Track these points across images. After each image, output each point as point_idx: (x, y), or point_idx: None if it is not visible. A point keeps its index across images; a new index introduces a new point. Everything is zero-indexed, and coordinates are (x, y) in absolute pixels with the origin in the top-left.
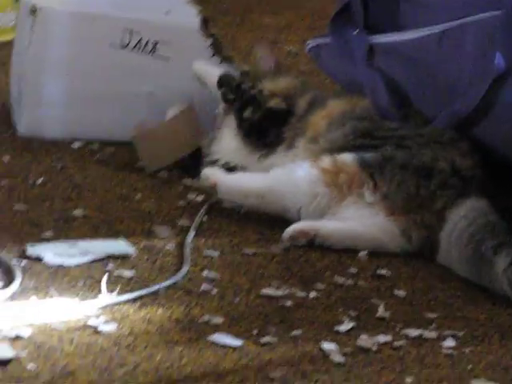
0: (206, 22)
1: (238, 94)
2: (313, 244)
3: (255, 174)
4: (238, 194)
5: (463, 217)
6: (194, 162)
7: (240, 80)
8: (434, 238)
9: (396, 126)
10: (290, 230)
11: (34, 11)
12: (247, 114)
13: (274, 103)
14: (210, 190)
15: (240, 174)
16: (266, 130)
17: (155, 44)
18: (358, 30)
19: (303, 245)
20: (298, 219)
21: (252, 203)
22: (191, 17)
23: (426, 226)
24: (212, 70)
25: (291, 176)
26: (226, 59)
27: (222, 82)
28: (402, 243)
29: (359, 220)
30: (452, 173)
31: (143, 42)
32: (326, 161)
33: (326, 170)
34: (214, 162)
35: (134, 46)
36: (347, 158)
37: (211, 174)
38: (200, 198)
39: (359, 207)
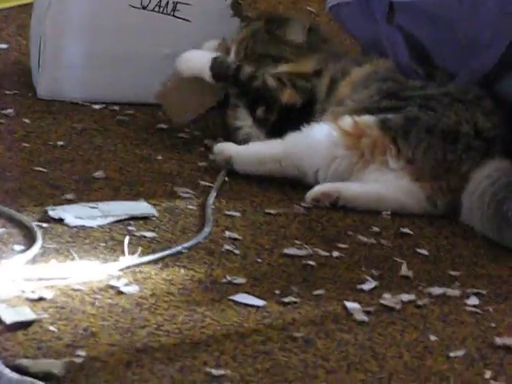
0: None
1: (240, 88)
2: (336, 206)
3: (268, 141)
4: (254, 161)
5: (486, 176)
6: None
7: (235, 66)
8: (458, 200)
9: (420, 84)
10: (314, 191)
11: None
12: (260, 113)
13: (287, 97)
14: (225, 164)
15: (254, 144)
16: (288, 127)
17: (175, 4)
18: None
19: (380, 209)
20: (317, 183)
21: (269, 169)
22: None
23: (451, 191)
24: (202, 59)
25: (309, 138)
26: (246, 19)
27: (216, 74)
28: (426, 207)
29: (383, 183)
30: (475, 135)
31: (163, 3)
32: (348, 122)
33: (346, 133)
34: (237, 129)
35: (154, 7)
36: (369, 120)
37: (225, 148)
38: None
39: (383, 172)
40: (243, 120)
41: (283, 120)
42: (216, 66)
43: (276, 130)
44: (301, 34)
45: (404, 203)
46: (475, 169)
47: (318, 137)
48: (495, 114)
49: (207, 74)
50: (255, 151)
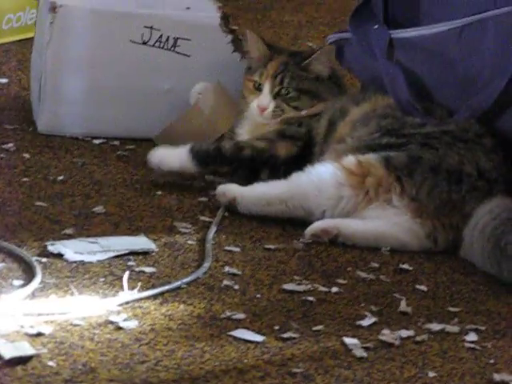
0: (226, 19)
1: (231, 164)
2: (335, 242)
3: (273, 181)
4: (259, 203)
5: (488, 212)
6: None
7: (213, 147)
8: (459, 236)
9: (420, 122)
10: (313, 227)
11: (54, 8)
12: (265, 177)
13: (284, 151)
14: (229, 206)
15: (258, 184)
16: (293, 169)
17: (176, 40)
18: (378, 25)
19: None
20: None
21: (275, 211)
22: (211, 13)
23: (453, 228)
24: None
25: (315, 178)
26: (246, 55)
27: (202, 162)
28: (426, 244)
29: (383, 220)
30: (478, 175)
31: (164, 39)
32: (351, 161)
33: (351, 172)
34: None
35: (155, 43)
36: (372, 158)
37: (227, 190)
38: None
39: (384, 209)
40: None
41: (287, 169)
42: (197, 155)
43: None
44: (326, 67)
45: (403, 241)
46: (478, 207)
47: (324, 177)
48: (495, 152)
49: (191, 166)
50: (260, 193)
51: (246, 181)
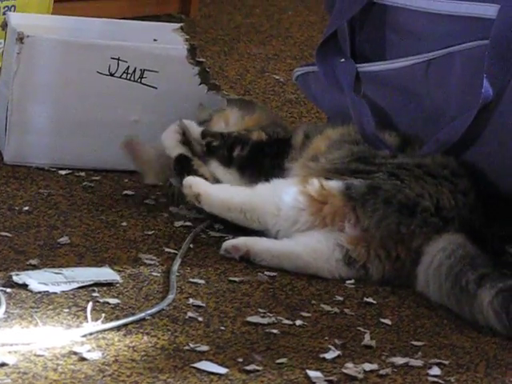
0: (193, 51)
1: (222, 140)
2: (249, 260)
3: (239, 187)
4: (220, 206)
5: (441, 249)
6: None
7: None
8: (406, 270)
9: (391, 154)
10: (226, 243)
11: (21, 39)
12: (236, 153)
13: (256, 136)
14: (193, 200)
15: (225, 186)
16: (260, 162)
17: (142, 72)
18: (344, 59)
19: (289, 272)
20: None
21: (233, 217)
22: (178, 45)
23: (391, 260)
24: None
25: (276, 199)
26: (213, 88)
27: (206, 132)
28: (345, 271)
29: (297, 240)
30: (434, 212)
31: (131, 70)
32: (315, 187)
33: (312, 199)
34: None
35: (122, 74)
36: (334, 187)
37: (195, 184)
38: (186, 226)
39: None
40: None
41: (257, 158)
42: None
43: (251, 169)
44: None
45: (307, 262)
46: (429, 242)
47: (285, 199)
48: (465, 194)
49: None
50: (225, 197)
51: (222, 160)
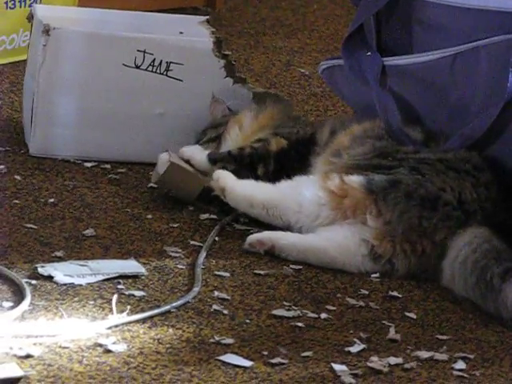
0: (219, 44)
1: (236, 161)
2: (274, 254)
3: (264, 184)
4: (244, 202)
5: (467, 243)
6: None
7: (227, 151)
8: (432, 265)
9: (414, 149)
10: (251, 237)
11: (47, 31)
12: (260, 171)
13: (275, 146)
14: (220, 194)
15: (249, 183)
16: (289, 167)
17: (168, 65)
18: (370, 52)
19: (314, 265)
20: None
21: (256, 214)
22: (204, 38)
23: (417, 254)
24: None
25: (297, 195)
26: (239, 81)
27: (213, 158)
28: (371, 266)
29: (321, 235)
30: (457, 206)
31: (156, 63)
32: (335, 182)
33: (333, 194)
34: None
35: (148, 67)
36: (355, 181)
37: (222, 177)
38: (212, 218)
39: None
40: None
41: (284, 166)
42: (211, 156)
43: (281, 176)
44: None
45: (333, 256)
46: (454, 236)
47: (306, 195)
48: (487, 188)
49: (206, 164)
50: (248, 193)
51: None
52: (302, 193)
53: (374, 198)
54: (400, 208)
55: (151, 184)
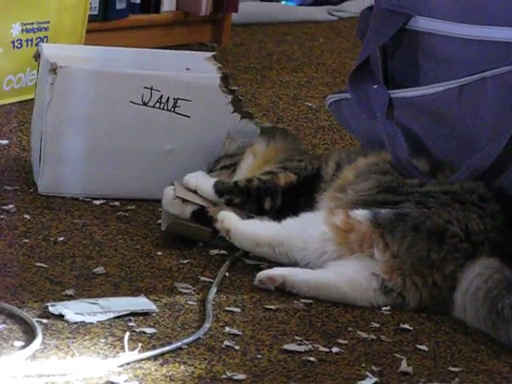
0: (226, 79)
1: (243, 194)
2: (285, 290)
3: (268, 222)
4: (249, 241)
5: (478, 274)
6: None
7: (234, 182)
8: (443, 297)
9: (419, 182)
10: (261, 274)
11: (54, 69)
12: (267, 205)
13: (283, 180)
14: (224, 235)
15: (253, 222)
16: (296, 203)
17: (176, 101)
18: (377, 85)
19: (325, 300)
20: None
21: (263, 253)
22: (211, 74)
23: (428, 287)
24: (199, 184)
25: (302, 232)
26: (246, 116)
27: (220, 189)
28: (382, 299)
29: (332, 270)
30: (464, 237)
31: (164, 99)
32: (340, 217)
33: (338, 228)
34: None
35: (155, 104)
36: (361, 215)
37: (226, 219)
38: (222, 254)
39: (353, 259)
40: None
41: (292, 201)
42: (217, 187)
43: (288, 212)
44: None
45: (344, 292)
46: (464, 268)
47: (311, 232)
48: (494, 218)
49: (212, 195)
50: (253, 232)
51: (254, 212)
52: (306, 229)
53: (381, 232)
54: (408, 241)
55: (160, 221)
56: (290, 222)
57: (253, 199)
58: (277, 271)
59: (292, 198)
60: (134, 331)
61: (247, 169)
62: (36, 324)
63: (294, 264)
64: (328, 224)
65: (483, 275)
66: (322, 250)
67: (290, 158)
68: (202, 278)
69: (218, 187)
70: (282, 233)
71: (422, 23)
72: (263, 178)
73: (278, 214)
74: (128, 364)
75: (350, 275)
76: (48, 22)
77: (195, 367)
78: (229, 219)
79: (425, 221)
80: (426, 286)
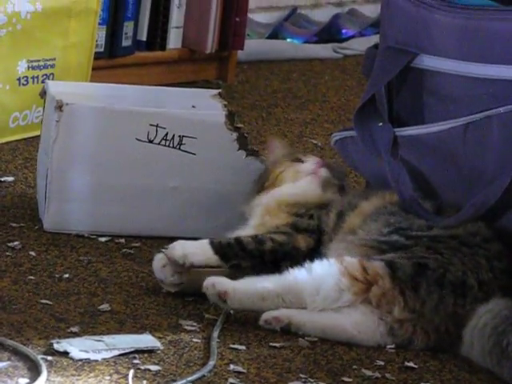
0: (231, 117)
1: (254, 258)
2: (290, 330)
3: (266, 276)
4: (252, 298)
5: (488, 311)
6: None
7: (234, 242)
8: (451, 339)
9: (427, 224)
10: (266, 314)
11: (60, 107)
12: (284, 265)
13: (303, 243)
14: (216, 300)
15: (249, 279)
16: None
17: (181, 138)
18: (382, 123)
19: (329, 338)
20: None
21: (269, 305)
22: (217, 111)
23: (437, 332)
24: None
25: (316, 278)
26: (251, 154)
27: (224, 256)
28: (386, 340)
29: (340, 313)
30: (478, 287)
31: (169, 137)
32: (355, 266)
33: (356, 279)
34: None
35: (160, 141)
36: (379, 267)
37: (218, 282)
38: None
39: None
40: None
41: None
42: (219, 249)
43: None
44: None
45: (352, 334)
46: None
47: (325, 280)
48: (499, 259)
49: (214, 260)
50: (255, 287)
51: (266, 273)
52: (320, 277)
53: (402, 288)
54: (434, 298)
55: None
56: (298, 271)
57: (267, 262)
58: (283, 312)
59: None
60: (139, 368)
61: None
62: (41, 361)
63: (302, 309)
64: (343, 274)
65: (492, 311)
66: (336, 298)
67: (299, 213)
68: (207, 316)
69: (219, 251)
70: (289, 281)
71: (427, 61)
72: (278, 240)
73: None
74: None
75: (358, 317)
76: (54, 59)
77: None
78: (221, 282)
79: (445, 273)
80: (438, 332)
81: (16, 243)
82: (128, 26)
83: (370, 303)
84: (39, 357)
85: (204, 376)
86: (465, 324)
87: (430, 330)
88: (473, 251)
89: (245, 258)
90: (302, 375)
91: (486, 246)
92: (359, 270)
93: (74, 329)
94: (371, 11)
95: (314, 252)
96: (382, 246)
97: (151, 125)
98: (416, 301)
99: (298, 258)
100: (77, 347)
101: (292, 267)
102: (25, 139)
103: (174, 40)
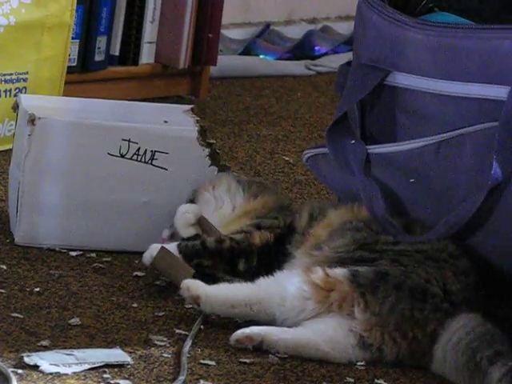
0: (204, 132)
1: (213, 256)
2: (261, 349)
3: (238, 284)
4: (223, 304)
5: (461, 327)
6: None
7: (199, 241)
8: (421, 350)
9: (393, 240)
10: (238, 333)
11: (32, 120)
12: (241, 267)
13: (259, 240)
14: (192, 303)
15: (223, 285)
16: (271, 261)
17: (153, 153)
18: (354, 140)
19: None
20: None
21: (239, 313)
22: (189, 127)
23: (407, 341)
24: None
25: (281, 289)
26: (223, 169)
27: (186, 252)
28: (357, 355)
29: (311, 329)
30: (443, 297)
31: (141, 152)
32: (319, 275)
33: (317, 287)
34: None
35: (132, 156)
36: (340, 274)
37: (192, 286)
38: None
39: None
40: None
41: (267, 259)
42: (183, 249)
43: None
44: None
45: (324, 351)
46: (446, 324)
47: (290, 289)
48: (466, 275)
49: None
50: (226, 294)
51: (226, 274)
52: (285, 287)
53: (362, 292)
54: (391, 300)
55: (136, 273)
56: (266, 281)
57: (226, 261)
58: (254, 330)
59: (267, 256)
60: (109, 383)
61: (222, 221)
62: (11, 374)
63: (271, 321)
64: (307, 282)
65: (466, 327)
66: (301, 308)
67: (264, 215)
68: (177, 331)
69: (183, 250)
70: (258, 291)
71: (400, 79)
72: (236, 238)
73: (252, 276)
74: None
75: (329, 333)
76: (27, 73)
77: None
78: (195, 286)
79: (405, 280)
80: (406, 339)
81: None
82: (101, 41)
83: (333, 310)
84: (10, 370)
85: None
86: (432, 332)
87: (397, 337)
88: (439, 265)
89: (205, 257)
90: None
91: (453, 262)
92: (321, 277)
93: (45, 342)
94: (344, 28)
95: (280, 250)
96: (347, 261)
97: (123, 139)
98: (375, 302)
99: (252, 253)
100: (47, 361)
101: (247, 264)
102: None
103: (147, 55)
